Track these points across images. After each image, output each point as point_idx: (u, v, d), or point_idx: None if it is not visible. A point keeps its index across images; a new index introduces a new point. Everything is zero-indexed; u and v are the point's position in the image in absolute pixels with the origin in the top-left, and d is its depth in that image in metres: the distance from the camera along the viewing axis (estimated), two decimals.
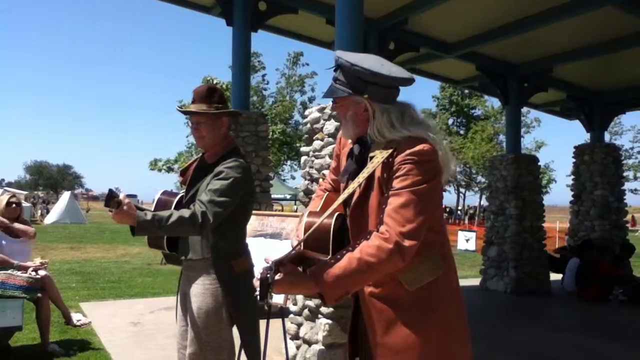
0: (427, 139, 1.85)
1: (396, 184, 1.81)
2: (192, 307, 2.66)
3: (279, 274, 1.68)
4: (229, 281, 2.66)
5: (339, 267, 1.72)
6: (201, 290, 2.66)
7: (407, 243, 1.73)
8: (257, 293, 1.65)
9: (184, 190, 2.94)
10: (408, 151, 1.81)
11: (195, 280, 2.70)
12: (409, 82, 1.94)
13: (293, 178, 30.20)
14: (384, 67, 1.91)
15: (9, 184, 70.05)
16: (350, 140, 2.11)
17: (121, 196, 2.33)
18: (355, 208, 1.96)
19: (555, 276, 10.43)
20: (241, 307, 2.70)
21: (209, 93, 2.72)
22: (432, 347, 1.86)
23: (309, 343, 4.58)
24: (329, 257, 1.83)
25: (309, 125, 5.10)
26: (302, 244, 1.96)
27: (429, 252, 1.88)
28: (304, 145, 5.23)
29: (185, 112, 2.79)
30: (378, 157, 1.86)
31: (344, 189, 2.02)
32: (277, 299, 4.08)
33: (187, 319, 2.73)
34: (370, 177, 1.90)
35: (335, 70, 1.98)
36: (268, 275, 1.63)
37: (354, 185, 1.90)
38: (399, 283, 1.87)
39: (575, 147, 11.59)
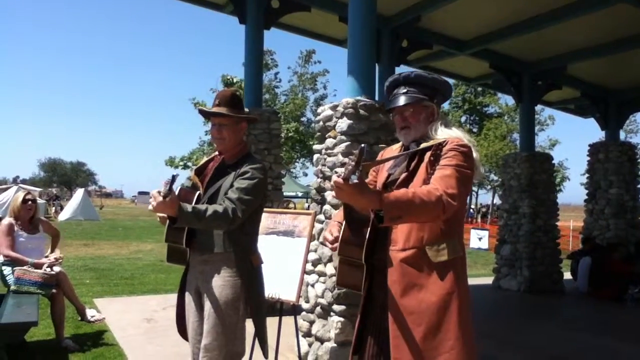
0: (468, 142, 2.28)
1: (443, 162, 2.19)
2: (211, 298, 2.75)
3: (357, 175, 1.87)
4: (250, 274, 2.83)
5: (398, 192, 2.01)
6: (220, 282, 2.77)
7: (450, 200, 2.05)
8: (353, 162, 1.80)
9: (188, 186, 3.06)
10: (455, 143, 2.23)
11: (213, 274, 2.80)
12: (450, 95, 2.54)
13: (305, 175, 30.26)
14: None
15: (24, 181, 70.81)
16: (395, 146, 2.55)
17: (163, 190, 2.43)
18: (400, 186, 2.26)
19: (568, 275, 10.36)
20: (258, 299, 2.88)
21: (234, 98, 2.91)
22: (440, 317, 2.17)
23: (321, 340, 4.59)
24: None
25: (321, 123, 5.10)
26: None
27: (451, 235, 2.24)
28: (316, 143, 5.23)
29: (212, 114, 2.88)
30: (429, 143, 2.27)
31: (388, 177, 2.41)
32: (290, 296, 4.09)
33: (204, 312, 2.81)
34: (418, 163, 2.28)
35: (397, 86, 2.44)
36: (365, 149, 1.81)
37: (404, 153, 2.36)
38: (425, 252, 2.21)
39: (589, 145, 11.49)
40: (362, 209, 2.17)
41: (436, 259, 2.20)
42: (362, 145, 1.82)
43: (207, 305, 2.77)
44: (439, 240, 2.21)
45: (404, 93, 2.40)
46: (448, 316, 2.17)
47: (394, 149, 2.55)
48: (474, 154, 2.26)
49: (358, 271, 2.26)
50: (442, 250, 2.20)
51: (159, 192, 2.41)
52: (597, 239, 10.63)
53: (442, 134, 2.29)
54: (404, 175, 2.31)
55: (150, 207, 2.46)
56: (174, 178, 2.46)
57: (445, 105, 38.70)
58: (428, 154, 2.25)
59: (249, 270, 2.83)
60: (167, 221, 2.65)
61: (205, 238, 2.80)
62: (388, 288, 2.24)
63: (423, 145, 2.29)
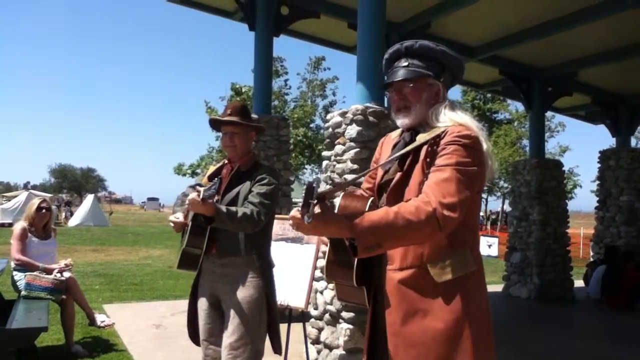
0: (474, 129, 1.87)
1: (440, 161, 1.79)
2: (235, 300, 2.87)
3: (317, 207, 1.58)
4: (269, 275, 3.00)
5: (376, 215, 1.65)
6: (244, 284, 2.91)
7: (446, 212, 1.67)
8: (302, 200, 1.56)
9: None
10: (457, 133, 1.82)
11: (236, 276, 2.92)
12: (462, 77, 2.10)
13: None
14: None
15: (34, 187, 71.25)
16: (395, 134, 2.15)
17: (202, 192, 2.58)
18: (394, 190, 1.94)
19: (579, 283, 10.26)
20: (274, 299, 3.05)
21: (243, 109, 3.07)
22: (451, 348, 1.78)
23: (330, 348, 4.57)
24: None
25: (330, 129, 5.10)
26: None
27: (460, 246, 1.85)
28: (325, 149, 5.24)
29: (225, 122, 3.02)
30: (425, 137, 1.88)
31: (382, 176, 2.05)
32: (298, 303, 4.08)
33: (224, 314, 2.93)
34: (414, 160, 1.90)
35: (398, 58, 2.04)
36: (314, 185, 1.54)
37: (394, 156, 1.95)
38: (427, 271, 1.83)
39: (600, 152, 11.43)
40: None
41: (440, 278, 1.82)
42: (312, 180, 1.57)
43: (231, 306, 2.88)
44: (444, 255, 1.83)
45: (404, 66, 1.99)
46: (460, 346, 1.78)
47: (393, 138, 2.16)
48: (483, 145, 1.85)
49: (358, 289, 1.95)
50: (447, 267, 1.82)
51: (198, 194, 2.55)
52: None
53: (445, 119, 1.90)
54: (398, 175, 1.94)
55: (186, 205, 2.63)
56: (221, 181, 2.75)
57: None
58: (424, 149, 1.87)
59: (269, 271, 3.00)
60: (190, 225, 2.87)
61: (228, 242, 2.92)
62: (387, 315, 1.92)
63: (420, 138, 1.91)
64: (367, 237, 1.60)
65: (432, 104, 1.97)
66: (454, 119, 1.89)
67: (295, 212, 1.61)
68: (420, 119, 1.98)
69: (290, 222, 1.64)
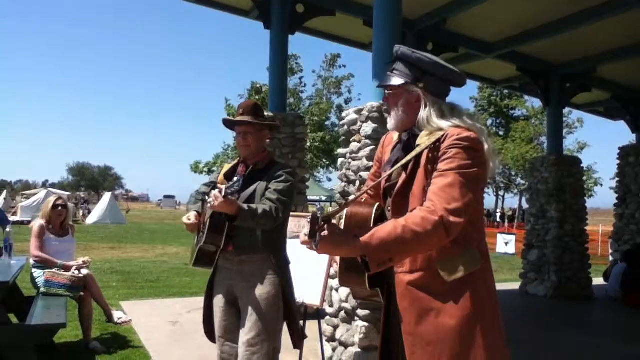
0: (475, 130, 1.89)
1: (442, 166, 1.83)
2: (252, 297, 2.90)
3: (324, 231, 1.64)
4: (286, 272, 3.03)
5: (384, 231, 1.69)
6: (262, 281, 2.92)
7: (452, 219, 1.73)
8: (307, 232, 1.63)
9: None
10: (456, 136, 1.85)
11: (253, 273, 2.94)
12: (462, 79, 2.06)
13: (329, 180, 30.26)
14: (443, 61, 2.04)
15: (53, 185, 72.35)
16: (396, 134, 2.17)
17: (223, 190, 2.57)
18: (398, 195, 1.99)
19: (598, 281, 10.14)
20: (293, 296, 3.07)
21: (255, 108, 3.07)
22: (465, 343, 1.84)
23: (345, 345, 4.56)
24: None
25: (346, 127, 5.08)
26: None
27: (467, 245, 1.90)
28: (340, 148, 5.23)
29: (237, 123, 3.03)
30: (425, 142, 1.90)
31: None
32: (314, 300, 4.08)
33: (241, 311, 2.95)
34: (415, 165, 1.94)
35: (392, 63, 2.10)
36: (319, 214, 1.60)
37: (397, 167, 1.96)
38: (437, 273, 1.88)
39: (620, 149, 11.27)
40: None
41: (450, 277, 1.86)
42: (314, 211, 1.61)
43: (248, 303, 2.89)
44: (453, 255, 1.87)
45: (390, 71, 2.09)
46: (474, 341, 1.84)
47: (395, 139, 2.20)
48: (484, 145, 1.88)
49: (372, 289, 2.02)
50: (456, 267, 1.86)
51: (220, 192, 2.55)
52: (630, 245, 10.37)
53: (437, 125, 1.92)
54: (403, 179, 1.98)
55: (209, 205, 2.61)
56: (244, 178, 2.86)
57: (471, 109, 38.41)
58: (425, 154, 1.91)
59: (286, 268, 3.04)
60: (208, 223, 2.86)
61: (245, 240, 2.93)
62: (400, 316, 1.97)
63: (419, 142, 1.93)
64: (378, 254, 1.68)
65: (415, 109, 2.00)
66: (446, 125, 1.90)
67: (303, 237, 1.69)
68: (404, 124, 2.05)
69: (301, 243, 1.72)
